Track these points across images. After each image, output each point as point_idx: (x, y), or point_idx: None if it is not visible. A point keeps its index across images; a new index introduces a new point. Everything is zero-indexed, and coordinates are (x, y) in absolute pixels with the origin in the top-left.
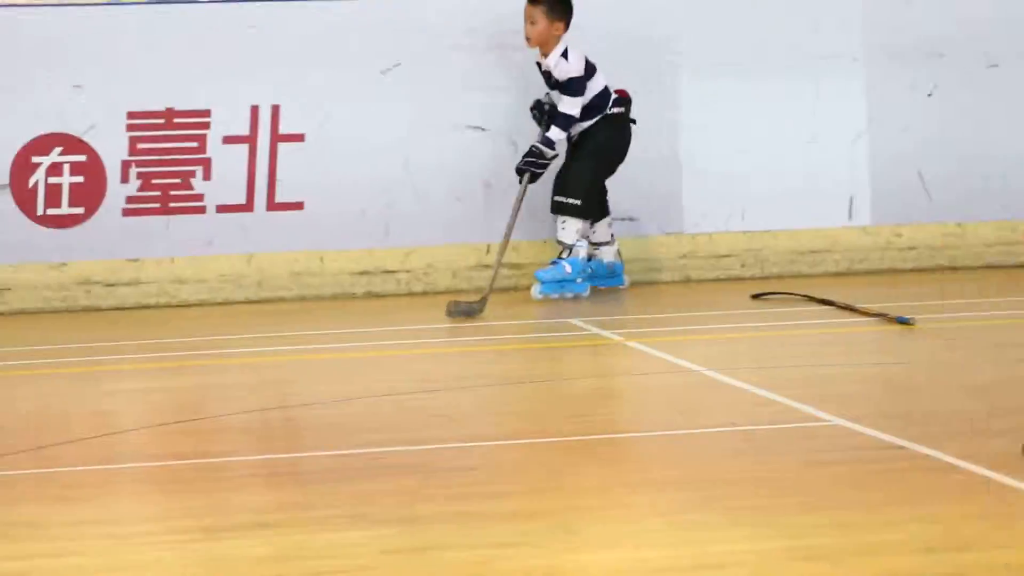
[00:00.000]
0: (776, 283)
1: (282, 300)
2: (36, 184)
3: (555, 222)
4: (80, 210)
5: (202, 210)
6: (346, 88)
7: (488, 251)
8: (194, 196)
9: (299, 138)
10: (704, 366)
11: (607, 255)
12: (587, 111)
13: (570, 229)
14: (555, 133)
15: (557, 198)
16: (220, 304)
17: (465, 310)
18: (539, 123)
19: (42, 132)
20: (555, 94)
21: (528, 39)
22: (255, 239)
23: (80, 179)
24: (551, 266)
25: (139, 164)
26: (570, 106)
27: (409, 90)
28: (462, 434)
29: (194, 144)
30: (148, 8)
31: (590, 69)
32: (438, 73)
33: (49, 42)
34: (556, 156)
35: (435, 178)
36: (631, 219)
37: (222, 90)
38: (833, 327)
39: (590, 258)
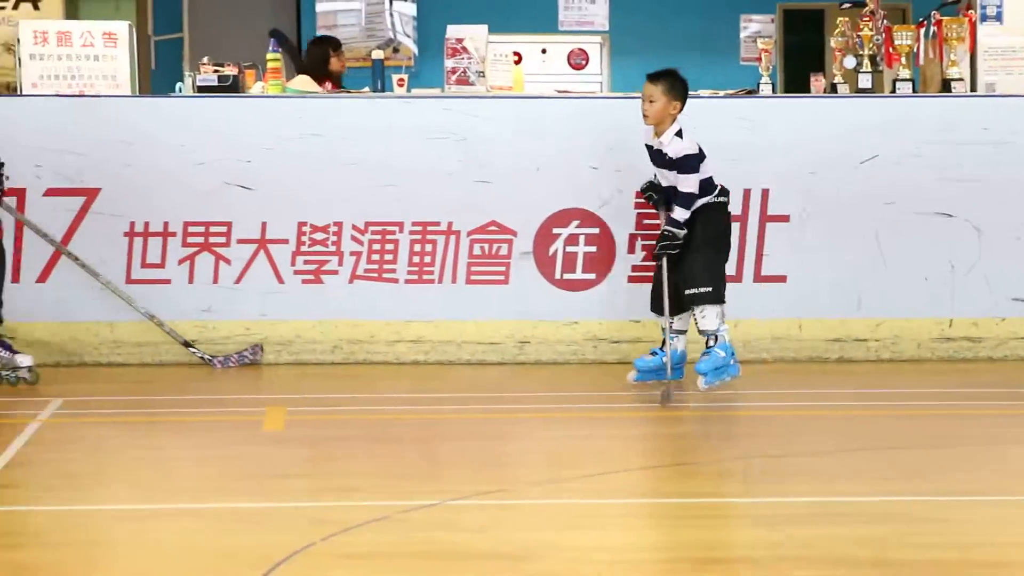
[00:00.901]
0: None
1: (764, 362)
2: (555, 252)
3: (691, 316)
4: (591, 276)
5: None
6: (827, 176)
7: (951, 325)
8: None
9: (784, 219)
10: None
11: (680, 344)
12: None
13: (710, 316)
14: (680, 213)
15: (688, 291)
16: None
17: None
18: (656, 205)
19: (562, 207)
20: (668, 174)
21: (646, 116)
22: (742, 307)
23: (593, 248)
24: (705, 357)
25: (644, 238)
26: (690, 184)
27: (885, 179)
28: (930, 488)
29: None
30: None
31: (701, 153)
32: (912, 166)
33: (575, 130)
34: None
35: (904, 257)
36: None
37: (718, 176)
38: None
39: (661, 345)
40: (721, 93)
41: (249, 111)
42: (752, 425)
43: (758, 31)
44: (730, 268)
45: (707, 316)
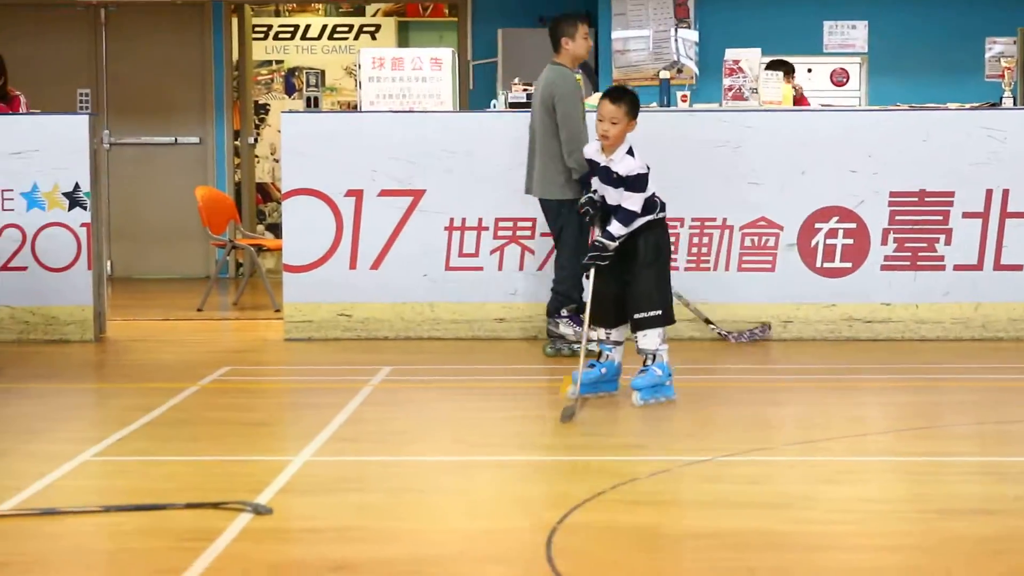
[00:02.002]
0: None
1: (1000, 340)
2: (816, 244)
3: (633, 335)
4: (848, 264)
5: (942, 268)
6: None
7: None
8: (936, 257)
9: (1021, 215)
10: None
11: (618, 356)
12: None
13: (651, 336)
14: (617, 228)
15: (637, 315)
16: (952, 341)
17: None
18: (592, 221)
19: (823, 205)
20: (613, 192)
21: (605, 138)
22: (982, 292)
23: (850, 241)
24: (642, 374)
25: (896, 231)
26: (635, 203)
27: None
28: None
29: (939, 217)
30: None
31: (648, 171)
32: None
33: (836, 139)
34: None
35: None
36: None
37: (963, 178)
38: None
39: (598, 357)
40: (967, 106)
41: None
42: (987, 395)
43: (1001, 51)
44: (971, 257)
45: (648, 336)
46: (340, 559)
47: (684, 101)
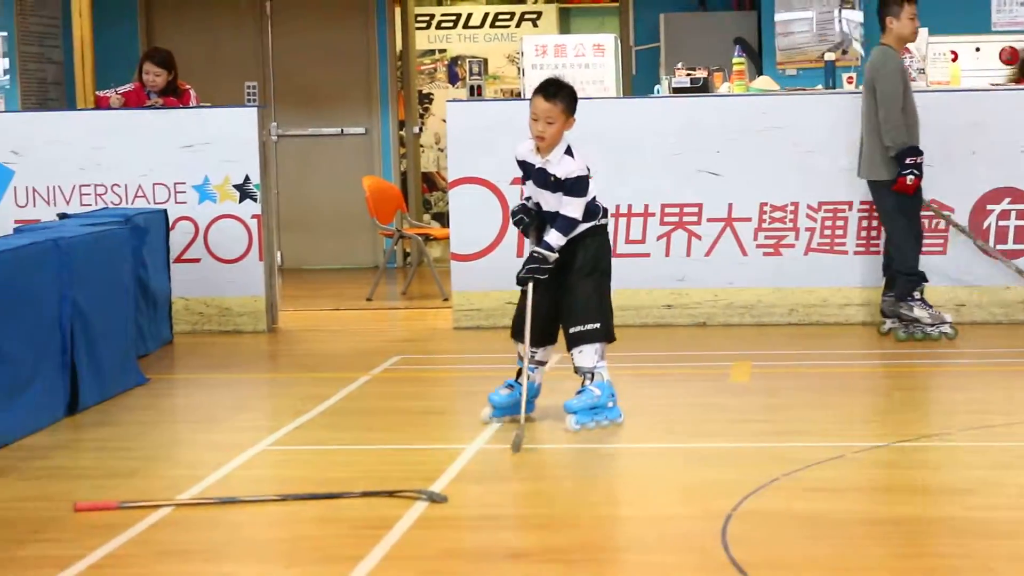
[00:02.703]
0: None
1: None
2: (989, 225)
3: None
4: (1022, 246)
5: None
6: None
7: None
8: None
9: None
10: None
11: (539, 377)
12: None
13: (587, 352)
14: (556, 238)
15: (573, 329)
16: None
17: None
18: (526, 232)
19: (996, 186)
20: (550, 196)
21: (542, 140)
22: None
23: (1022, 223)
24: (577, 395)
25: None
26: (576, 209)
27: None
28: None
29: None
30: None
31: (589, 171)
32: None
33: (1010, 119)
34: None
35: None
36: None
37: None
38: None
39: (517, 376)
40: None
41: (717, 108)
42: None
43: None
44: None
45: (584, 352)
46: (515, 546)
47: (850, 83)
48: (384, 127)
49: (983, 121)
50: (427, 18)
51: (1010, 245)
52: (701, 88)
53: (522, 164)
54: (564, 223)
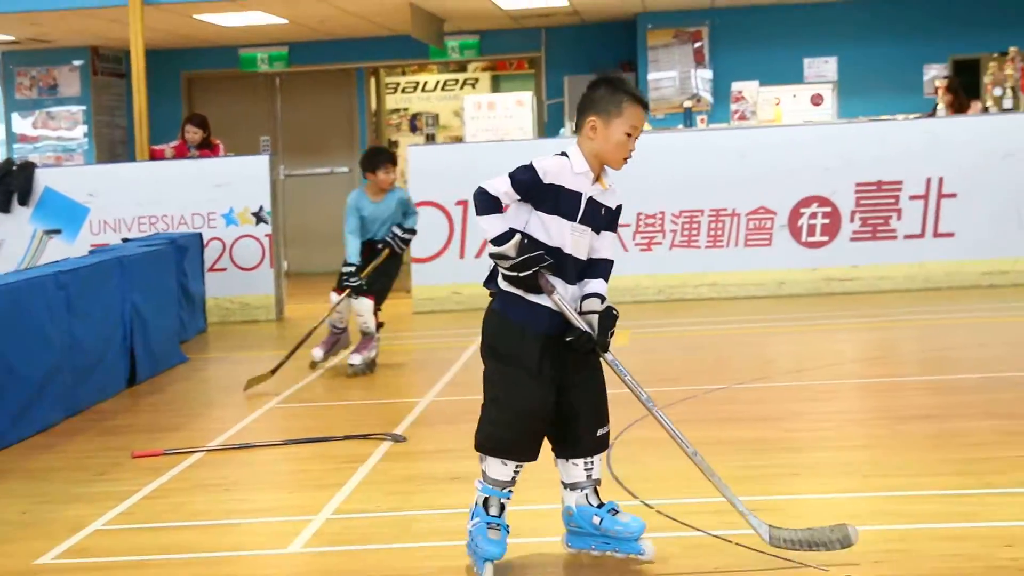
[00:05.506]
0: None
1: (939, 289)
2: (802, 225)
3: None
4: (825, 238)
5: (894, 238)
6: (983, 166)
7: None
8: (890, 230)
9: (953, 195)
10: None
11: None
12: None
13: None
14: (605, 289)
15: (602, 430)
16: (902, 291)
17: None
18: (533, 280)
19: (809, 194)
20: (589, 235)
21: (628, 160)
22: (926, 253)
23: (827, 221)
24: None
25: (860, 212)
26: (615, 246)
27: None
28: None
29: (891, 200)
30: None
31: None
32: None
33: (813, 145)
34: None
35: None
36: None
37: (908, 170)
38: None
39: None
40: (911, 116)
41: None
42: (928, 330)
43: (936, 74)
44: (915, 228)
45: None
46: (457, 472)
47: (703, 123)
48: None
49: (799, 146)
50: (395, 85)
51: (817, 237)
52: None
53: (554, 190)
54: (609, 268)
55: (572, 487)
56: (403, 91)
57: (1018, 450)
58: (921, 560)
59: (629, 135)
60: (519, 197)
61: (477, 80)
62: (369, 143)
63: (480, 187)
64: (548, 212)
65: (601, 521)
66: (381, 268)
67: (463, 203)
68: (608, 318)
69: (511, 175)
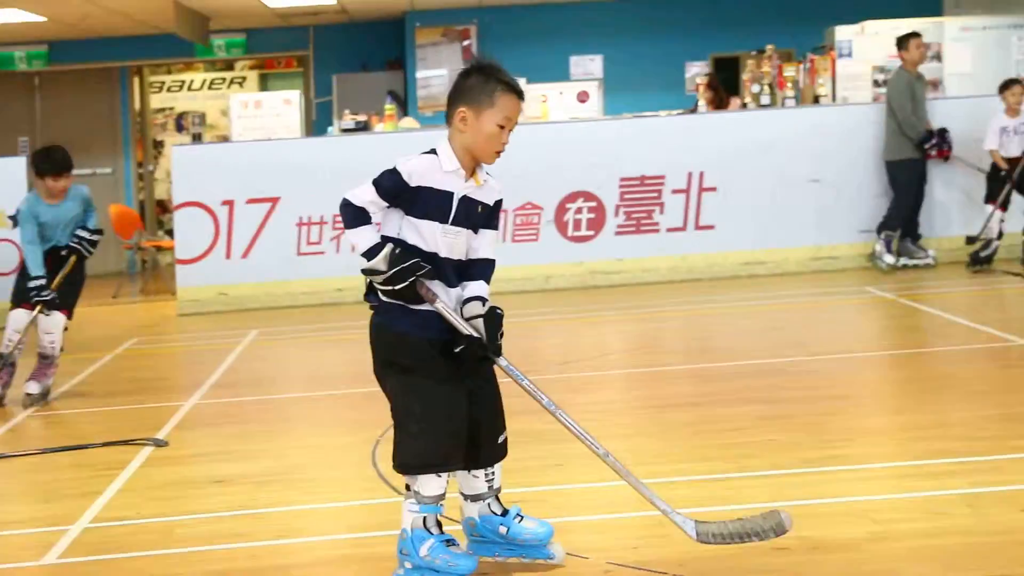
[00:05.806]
0: None
1: (700, 280)
2: (568, 220)
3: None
4: (591, 232)
5: (657, 230)
6: (741, 158)
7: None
8: (653, 223)
9: (713, 189)
10: None
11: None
12: None
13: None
14: (487, 291)
15: (503, 437)
16: (665, 283)
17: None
18: (413, 288)
19: (573, 189)
20: (464, 235)
21: (499, 155)
22: (687, 246)
23: (593, 216)
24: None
25: (625, 206)
26: (495, 245)
27: (779, 160)
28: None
29: (655, 194)
30: None
31: None
32: (798, 149)
33: (580, 141)
34: None
35: (789, 207)
36: None
37: (671, 164)
38: None
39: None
40: (674, 112)
41: (374, 142)
42: (691, 321)
43: (697, 71)
44: (678, 221)
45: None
46: (219, 475)
47: None
48: (126, 166)
49: (565, 143)
50: (160, 84)
51: (583, 232)
52: (363, 128)
53: (423, 192)
54: (490, 268)
55: (474, 499)
56: (169, 90)
57: (771, 433)
58: (678, 545)
59: (502, 127)
60: (387, 204)
61: (245, 79)
62: (134, 143)
63: (344, 198)
64: (419, 216)
65: (508, 530)
66: (68, 277)
67: (229, 203)
68: (494, 320)
69: (375, 182)
